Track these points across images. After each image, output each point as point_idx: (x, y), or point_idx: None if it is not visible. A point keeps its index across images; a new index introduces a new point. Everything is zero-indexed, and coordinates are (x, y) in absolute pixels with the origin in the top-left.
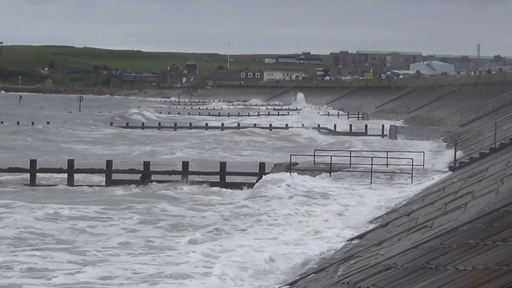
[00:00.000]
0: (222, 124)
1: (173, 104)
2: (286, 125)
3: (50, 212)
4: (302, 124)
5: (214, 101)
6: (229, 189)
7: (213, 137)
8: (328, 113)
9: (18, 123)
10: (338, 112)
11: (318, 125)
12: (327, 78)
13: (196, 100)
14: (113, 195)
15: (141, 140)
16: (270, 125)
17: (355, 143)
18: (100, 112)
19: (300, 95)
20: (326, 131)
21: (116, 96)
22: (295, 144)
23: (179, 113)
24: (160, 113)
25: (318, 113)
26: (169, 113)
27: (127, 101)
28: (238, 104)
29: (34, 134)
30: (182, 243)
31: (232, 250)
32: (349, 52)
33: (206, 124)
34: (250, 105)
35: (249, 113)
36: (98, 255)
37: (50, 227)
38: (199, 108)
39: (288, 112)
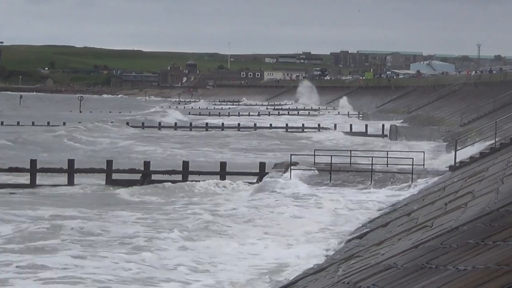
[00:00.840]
0: (223, 124)
1: (173, 103)
2: (286, 125)
3: (48, 212)
4: (303, 124)
5: (196, 101)
6: (225, 191)
7: (213, 136)
8: (329, 112)
9: (18, 123)
10: (339, 112)
11: (319, 125)
12: (327, 78)
13: (182, 100)
14: (113, 194)
15: (142, 140)
16: (271, 124)
17: (394, 147)
18: (130, 111)
19: (305, 82)
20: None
21: (124, 96)
22: (297, 144)
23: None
24: (189, 113)
25: (318, 112)
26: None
27: (135, 101)
28: (222, 104)
29: (41, 132)
30: (169, 243)
31: (228, 253)
32: (349, 52)
33: (207, 124)
34: (251, 105)
35: (249, 113)
36: (85, 254)
37: (46, 226)
38: (201, 108)
39: (289, 112)
